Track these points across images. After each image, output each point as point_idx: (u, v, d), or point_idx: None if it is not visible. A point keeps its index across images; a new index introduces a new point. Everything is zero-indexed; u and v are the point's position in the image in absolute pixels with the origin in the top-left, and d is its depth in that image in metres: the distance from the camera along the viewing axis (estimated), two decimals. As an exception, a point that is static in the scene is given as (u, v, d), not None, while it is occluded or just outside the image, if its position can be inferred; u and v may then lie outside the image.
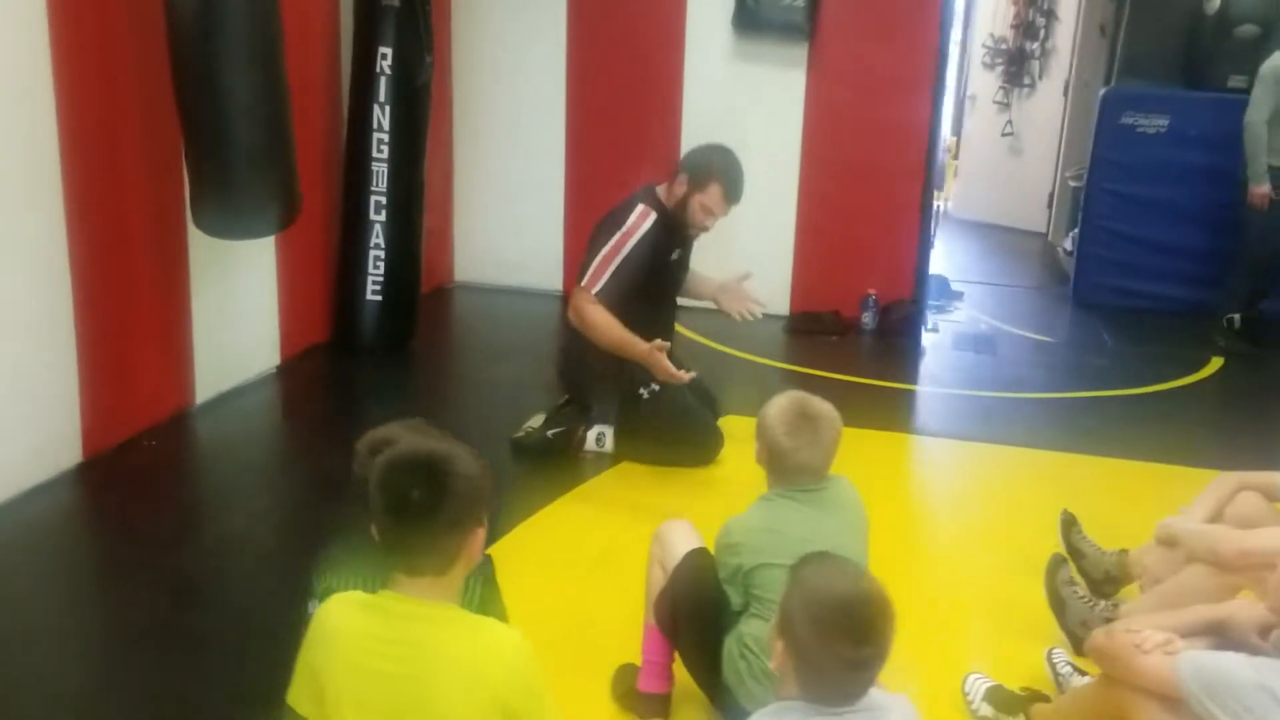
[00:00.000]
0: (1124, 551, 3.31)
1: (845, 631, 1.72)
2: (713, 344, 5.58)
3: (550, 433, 4.30)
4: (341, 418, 4.74)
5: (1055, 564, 3.12)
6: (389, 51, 4.94)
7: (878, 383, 5.45)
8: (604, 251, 4.08)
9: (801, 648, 1.76)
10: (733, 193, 4.18)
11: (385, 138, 5.04)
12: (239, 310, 4.72)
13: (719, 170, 4.16)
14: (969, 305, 6.77)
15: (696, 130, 6.12)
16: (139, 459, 4.04)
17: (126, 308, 4.05)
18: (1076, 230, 7.17)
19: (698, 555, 2.66)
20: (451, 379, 5.25)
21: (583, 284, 4.10)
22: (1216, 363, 5.80)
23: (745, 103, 6.04)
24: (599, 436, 4.31)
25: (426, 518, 1.81)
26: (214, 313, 4.50)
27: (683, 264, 4.41)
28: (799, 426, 2.53)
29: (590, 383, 4.27)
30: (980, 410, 5.08)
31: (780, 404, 2.58)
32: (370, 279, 5.19)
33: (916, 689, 2.50)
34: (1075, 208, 8.13)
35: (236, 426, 4.46)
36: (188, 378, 4.43)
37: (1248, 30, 6.39)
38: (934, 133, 5.96)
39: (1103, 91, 6.73)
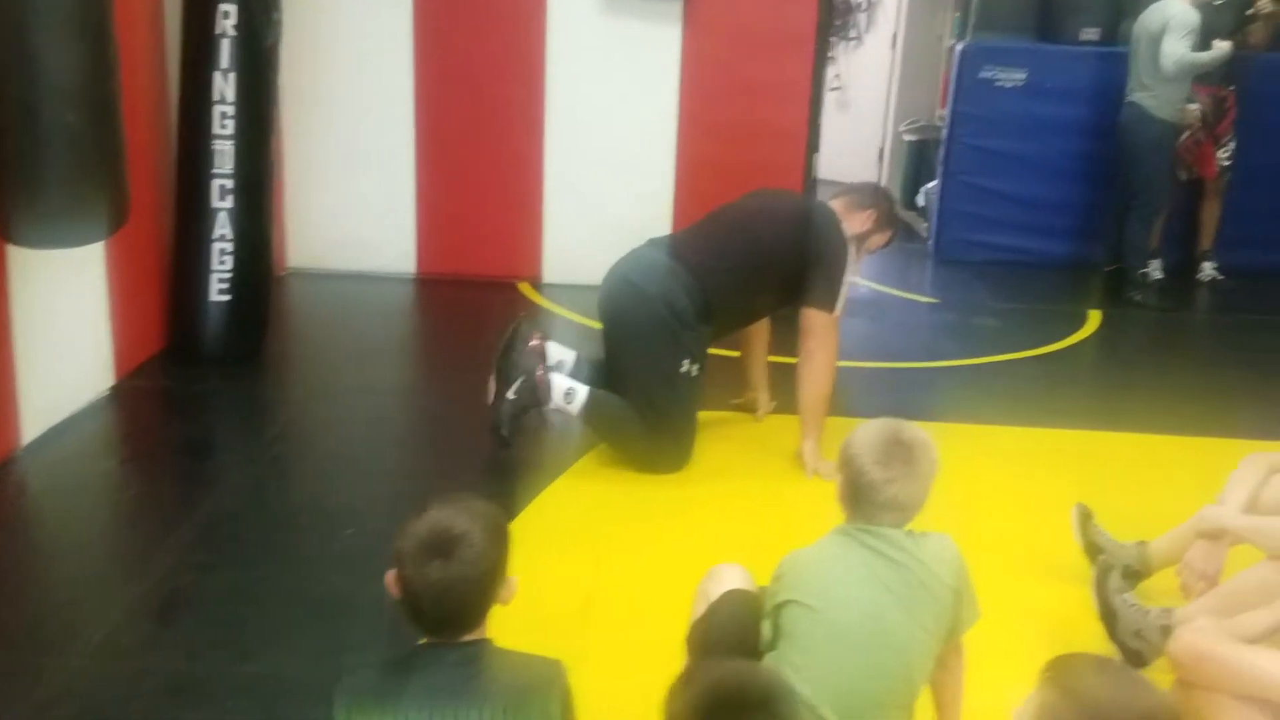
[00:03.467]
0: (1143, 543, 3.11)
1: None
2: (587, 321, 5.09)
3: (511, 395, 3.70)
4: (201, 449, 3.99)
5: (1104, 571, 2.86)
6: (232, 9, 4.16)
7: (778, 359, 5.10)
8: (847, 275, 3.83)
9: None
10: (895, 238, 4.19)
11: (230, 110, 4.26)
12: (67, 325, 3.90)
13: (899, 221, 4.24)
14: (837, 268, 6.56)
15: (563, 93, 5.65)
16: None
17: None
18: (932, 185, 7.09)
19: (742, 594, 2.33)
20: (319, 389, 4.52)
21: (836, 311, 3.80)
22: (1096, 317, 5.82)
23: (616, 61, 5.57)
24: (569, 393, 3.73)
25: None
26: (39, 332, 3.68)
27: None
28: (892, 455, 2.13)
29: (675, 315, 3.70)
30: (898, 384, 4.86)
31: (869, 430, 2.19)
32: (216, 276, 4.41)
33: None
34: (913, 162, 8.11)
35: (77, 473, 3.63)
36: (11, 416, 3.61)
37: (1101, -18, 6.42)
38: (816, 91, 5.66)
39: (960, 46, 6.62)
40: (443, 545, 1.79)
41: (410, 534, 1.83)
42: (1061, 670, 1.50)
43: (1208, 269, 6.55)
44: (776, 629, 2.19)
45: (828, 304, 3.76)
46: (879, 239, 4.02)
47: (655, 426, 3.70)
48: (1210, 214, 6.51)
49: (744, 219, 3.93)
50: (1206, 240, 6.56)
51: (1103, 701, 1.42)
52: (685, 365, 3.70)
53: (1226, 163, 6.30)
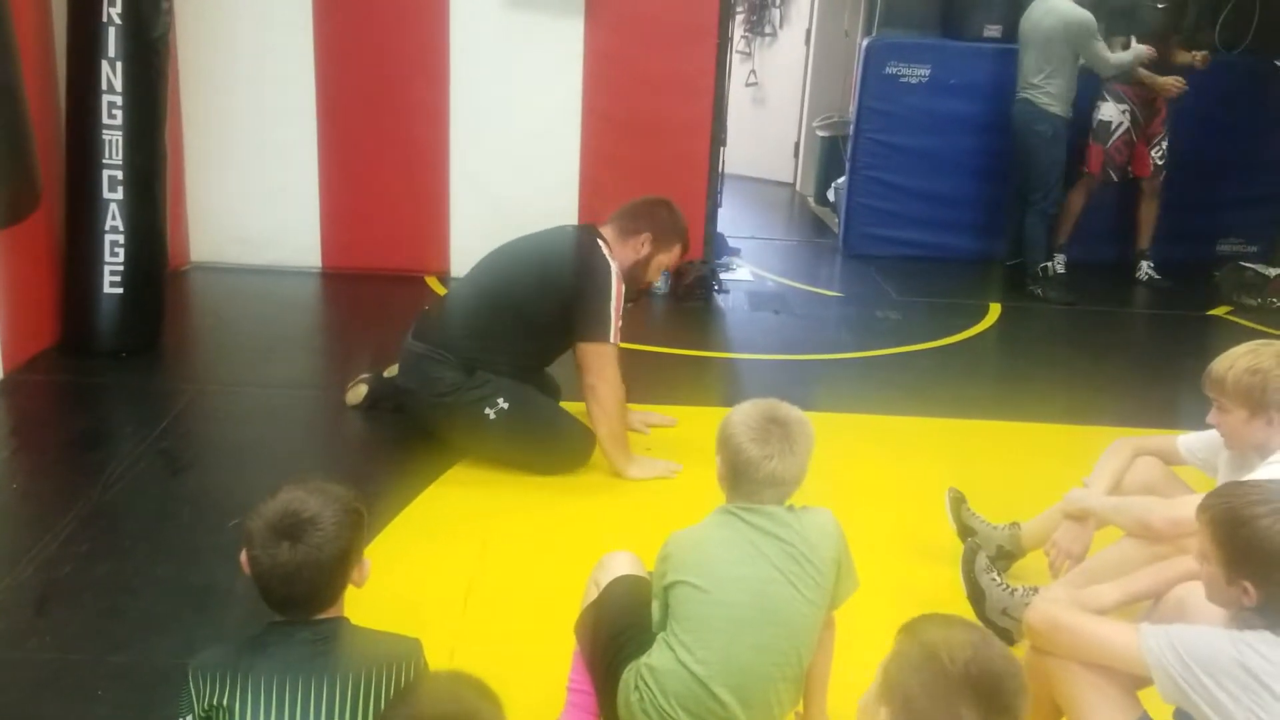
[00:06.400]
0: (1015, 525, 3.21)
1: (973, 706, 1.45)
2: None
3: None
4: (89, 442, 3.92)
5: (971, 552, 2.94)
6: (118, -4, 4.12)
7: (684, 352, 5.19)
8: (614, 301, 3.65)
9: None
10: (687, 247, 4.00)
11: (118, 100, 4.22)
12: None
13: (680, 229, 3.90)
14: (747, 261, 6.64)
15: (466, 85, 5.65)
16: None
17: None
18: (841, 180, 7.18)
19: (632, 579, 2.37)
20: (214, 383, 4.46)
21: (612, 339, 3.66)
22: (995, 310, 5.95)
23: (519, 54, 5.58)
24: None
25: None
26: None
27: None
28: (768, 433, 2.17)
29: (440, 397, 3.72)
30: (795, 376, 4.92)
31: (745, 409, 2.23)
32: (108, 268, 4.38)
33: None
34: (826, 157, 8.22)
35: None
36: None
37: (1003, -20, 6.54)
38: (720, 84, 5.72)
39: (866, 41, 6.72)
40: (292, 528, 1.81)
41: (261, 515, 1.84)
42: (911, 623, 1.61)
43: (1145, 268, 6.62)
44: (666, 610, 2.22)
45: (599, 335, 3.65)
46: (666, 258, 3.87)
47: (534, 447, 3.74)
48: (1147, 213, 6.56)
49: (490, 276, 3.84)
50: (1144, 239, 6.62)
51: (940, 643, 1.51)
52: (488, 411, 3.67)
53: (1160, 161, 6.39)
